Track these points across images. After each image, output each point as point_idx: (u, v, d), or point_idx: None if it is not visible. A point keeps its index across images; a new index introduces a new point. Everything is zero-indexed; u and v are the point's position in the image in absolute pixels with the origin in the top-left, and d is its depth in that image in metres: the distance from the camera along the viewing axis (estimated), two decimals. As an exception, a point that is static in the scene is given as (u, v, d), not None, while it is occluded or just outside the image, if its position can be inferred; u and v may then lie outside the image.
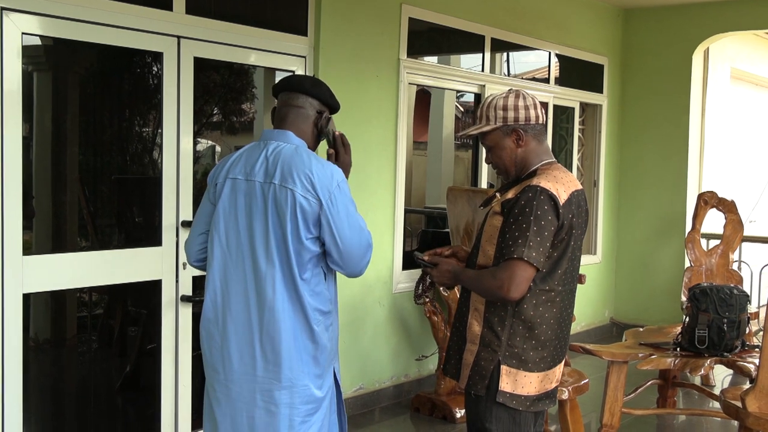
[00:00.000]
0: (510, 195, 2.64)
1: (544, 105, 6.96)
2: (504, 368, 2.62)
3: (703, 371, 4.52)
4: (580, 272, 4.71)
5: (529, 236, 2.52)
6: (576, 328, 7.32)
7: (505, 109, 2.69)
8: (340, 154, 2.70)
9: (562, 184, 2.62)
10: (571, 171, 7.22)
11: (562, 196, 2.59)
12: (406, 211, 5.78)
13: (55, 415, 4.04)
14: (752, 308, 5.50)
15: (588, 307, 7.50)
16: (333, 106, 2.70)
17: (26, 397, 3.58)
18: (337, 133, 2.70)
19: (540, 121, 2.73)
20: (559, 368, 2.77)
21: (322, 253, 2.55)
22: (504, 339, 2.63)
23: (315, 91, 2.64)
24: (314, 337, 2.54)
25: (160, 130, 4.07)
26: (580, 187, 2.74)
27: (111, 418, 4.35)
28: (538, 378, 2.66)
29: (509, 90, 2.76)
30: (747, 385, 3.98)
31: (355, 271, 2.63)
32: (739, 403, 3.54)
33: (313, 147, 2.66)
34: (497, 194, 2.78)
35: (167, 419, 4.17)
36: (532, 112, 2.70)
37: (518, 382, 2.63)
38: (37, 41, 3.60)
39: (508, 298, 2.56)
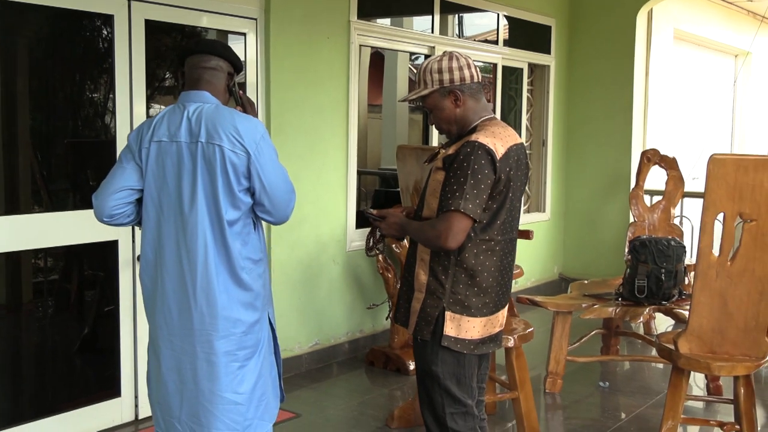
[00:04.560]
0: (451, 151, 2.77)
1: (494, 66, 7.09)
2: (448, 314, 2.77)
3: (642, 319, 4.74)
4: (527, 229, 4.91)
5: (466, 189, 2.65)
6: (526, 283, 7.54)
7: (440, 72, 2.81)
8: (247, 109, 2.84)
9: (499, 139, 2.75)
10: (520, 131, 7.38)
11: (500, 151, 2.72)
12: (361, 173, 5.88)
13: (14, 377, 4.09)
14: (691, 260, 5.73)
15: (537, 263, 7.72)
16: (239, 67, 2.84)
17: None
18: (240, 92, 2.85)
19: (475, 80, 2.85)
20: (502, 313, 2.93)
21: (252, 203, 2.68)
22: (448, 287, 2.77)
23: (226, 54, 2.78)
24: (246, 285, 2.67)
25: (112, 95, 4.10)
26: (519, 141, 2.87)
27: (70, 380, 4.41)
28: (481, 323, 2.81)
29: (443, 53, 2.88)
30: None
31: (282, 217, 2.77)
32: (672, 346, 3.74)
33: (225, 105, 2.78)
34: (441, 150, 2.91)
35: (127, 379, 4.26)
36: (466, 72, 2.82)
37: (462, 327, 2.78)
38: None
39: (446, 248, 2.70)
